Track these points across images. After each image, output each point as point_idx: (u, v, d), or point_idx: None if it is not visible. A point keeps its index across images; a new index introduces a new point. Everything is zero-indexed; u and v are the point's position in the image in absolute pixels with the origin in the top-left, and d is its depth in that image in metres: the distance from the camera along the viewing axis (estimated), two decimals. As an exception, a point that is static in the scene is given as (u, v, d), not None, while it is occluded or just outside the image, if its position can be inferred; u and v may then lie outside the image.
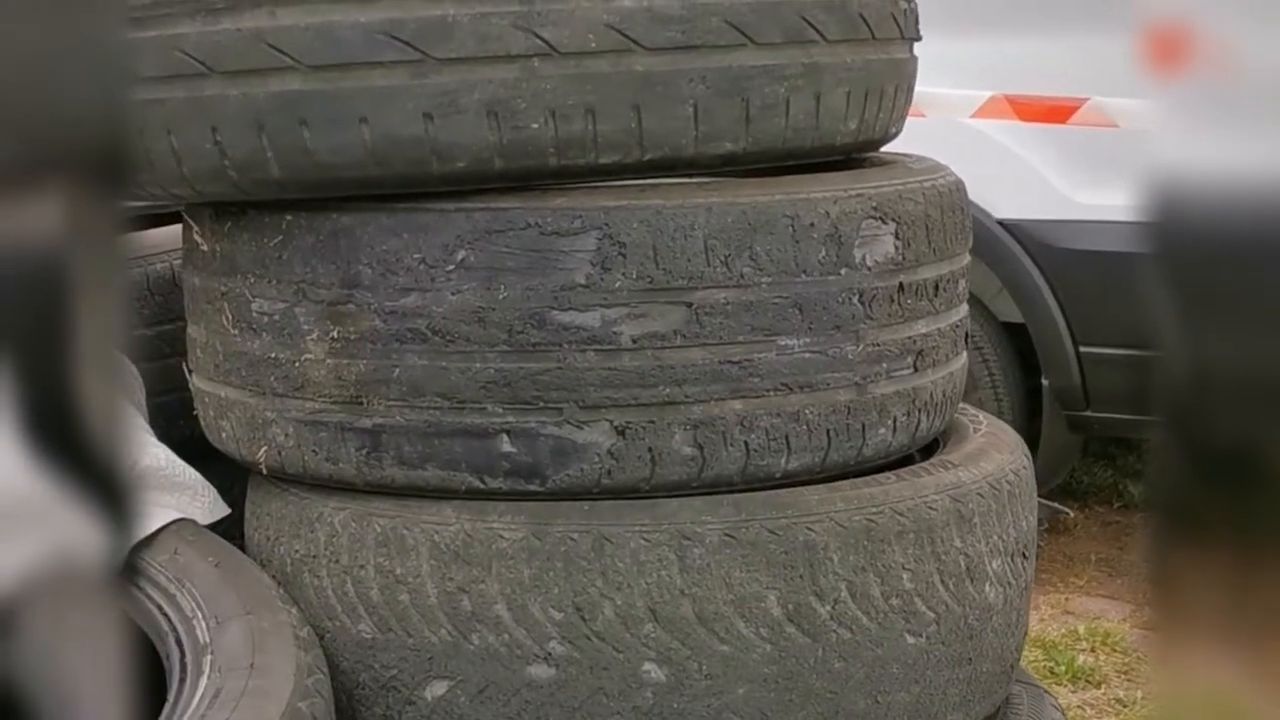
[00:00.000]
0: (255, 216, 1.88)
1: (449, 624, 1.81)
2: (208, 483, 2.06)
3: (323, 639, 1.87)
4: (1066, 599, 4.03)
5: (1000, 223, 3.89)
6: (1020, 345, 4.11)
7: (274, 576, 1.92)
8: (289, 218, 1.84)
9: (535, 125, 1.73)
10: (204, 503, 2.05)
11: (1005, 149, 3.91)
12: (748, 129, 1.80)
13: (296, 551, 1.93)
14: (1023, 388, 4.14)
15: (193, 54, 1.75)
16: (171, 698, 1.72)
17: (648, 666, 1.78)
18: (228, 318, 1.92)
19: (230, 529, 2.08)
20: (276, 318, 1.87)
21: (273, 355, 1.88)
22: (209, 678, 1.70)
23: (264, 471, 1.97)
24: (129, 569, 1.91)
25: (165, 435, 2.14)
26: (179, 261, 2.39)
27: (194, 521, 2.01)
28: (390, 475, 1.84)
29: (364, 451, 1.84)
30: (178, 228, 2.34)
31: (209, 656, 1.74)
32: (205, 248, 1.96)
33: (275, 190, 1.81)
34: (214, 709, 1.63)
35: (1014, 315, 4.06)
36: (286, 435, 1.90)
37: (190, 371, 2.10)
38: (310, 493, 1.93)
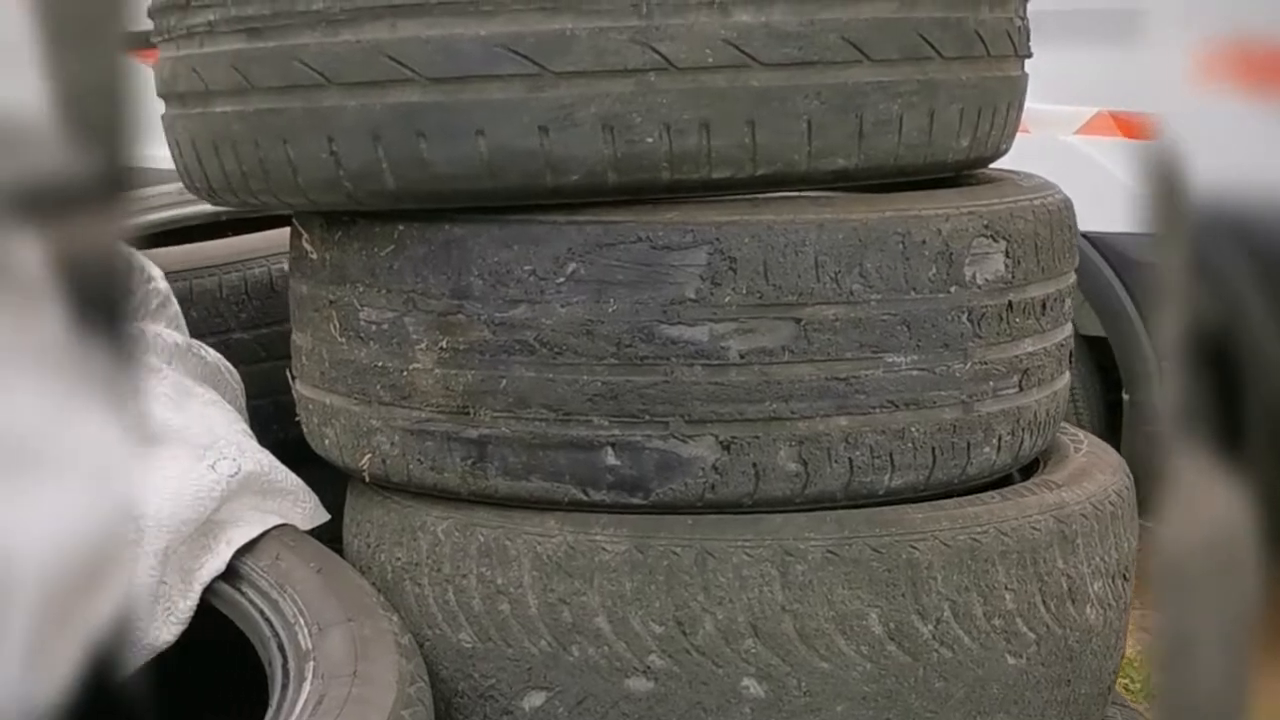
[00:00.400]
0: (366, 226, 1.88)
1: (549, 635, 1.81)
2: (309, 488, 2.07)
3: (422, 647, 1.87)
4: (1142, 614, 3.99)
5: (1084, 235, 3.84)
6: (1101, 358, 4.07)
7: (374, 584, 1.92)
8: (401, 228, 1.85)
9: (650, 139, 1.72)
10: (305, 508, 2.06)
11: (1092, 161, 3.87)
12: (860, 145, 1.79)
13: (398, 559, 1.93)
14: (1103, 401, 4.10)
15: (311, 65, 1.75)
16: (274, 704, 1.72)
17: (747, 682, 1.78)
18: (335, 326, 1.93)
19: (322, 535, 2.09)
20: (385, 327, 1.87)
21: (380, 364, 1.89)
22: (311, 684, 1.70)
23: (367, 479, 1.97)
24: (230, 573, 1.93)
25: (259, 439, 2.15)
26: (276, 266, 2.40)
27: (295, 527, 2.02)
28: (494, 485, 1.84)
29: (469, 461, 1.85)
30: (276, 232, 2.36)
31: (311, 663, 1.74)
32: (314, 256, 1.96)
33: (390, 201, 1.82)
34: (317, 716, 1.64)
35: (1095, 328, 4.02)
36: (391, 444, 1.90)
37: (294, 378, 2.10)
38: (413, 501, 1.94)
